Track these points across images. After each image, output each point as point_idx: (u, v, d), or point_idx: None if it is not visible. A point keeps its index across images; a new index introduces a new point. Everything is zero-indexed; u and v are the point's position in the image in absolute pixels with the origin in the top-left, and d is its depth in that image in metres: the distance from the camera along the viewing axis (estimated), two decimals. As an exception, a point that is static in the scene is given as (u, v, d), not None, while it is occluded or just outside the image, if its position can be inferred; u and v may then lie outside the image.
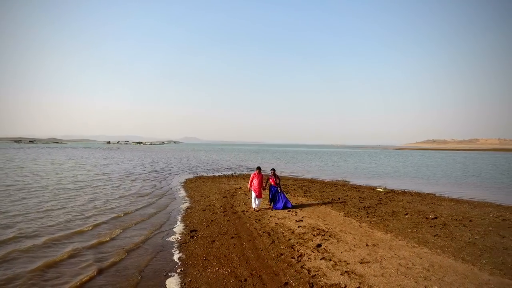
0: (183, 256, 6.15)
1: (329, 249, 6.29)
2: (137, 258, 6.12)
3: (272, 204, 10.52)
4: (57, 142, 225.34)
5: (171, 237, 7.49)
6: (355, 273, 5.07)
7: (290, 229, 7.86)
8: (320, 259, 5.76)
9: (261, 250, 6.41)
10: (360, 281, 4.79)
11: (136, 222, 8.79)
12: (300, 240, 6.94)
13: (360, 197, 12.92)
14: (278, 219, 9.02)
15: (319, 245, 6.57)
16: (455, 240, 6.88)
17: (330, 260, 5.69)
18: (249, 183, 10.28)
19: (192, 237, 7.38)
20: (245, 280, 4.98)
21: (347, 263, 5.54)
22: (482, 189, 17.06)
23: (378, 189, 15.20)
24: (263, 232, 7.68)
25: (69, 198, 11.99)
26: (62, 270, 5.46)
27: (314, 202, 11.67)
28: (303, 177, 23.10)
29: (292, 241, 6.93)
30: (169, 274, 5.30)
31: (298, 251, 6.26)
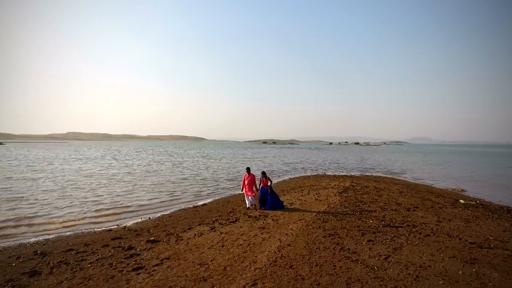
0: (167, 214, 10.34)
1: (223, 229, 7.85)
2: (148, 208, 11.20)
3: (260, 205, 10.42)
4: (293, 144, 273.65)
5: (187, 206, 11.79)
6: (182, 239, 7.08)
7: (245, 213, 9.67)
8: (199, 225, 8.02)
9: (193, 219, 9.25)
10: (177, 240, 6.93)
11: (186, 195, 13.94)
12: (225, 221, 8.84)
13: (397, 203, 10.15)
14: (256, 209, 10.49)
15: (216, 224, 8.38)
16: (334, 243, 6.10)
17: (201, 234, 7.57)
18: (242, 184, 10.62)
19: (194, 207, 11.36)
20: (149, 230, 8.46)
21: (203, 235, 7.37)
22: None
23: (461, 201, 11.41)
24: (224, 211, 10.13)
25: (189, 183, 19.27)
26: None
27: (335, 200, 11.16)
28: (427, 183, 18.57)
29: (219, 217, 9.09)
30: (141, 218, 9.83)
31: (205, 223, 8.54)
